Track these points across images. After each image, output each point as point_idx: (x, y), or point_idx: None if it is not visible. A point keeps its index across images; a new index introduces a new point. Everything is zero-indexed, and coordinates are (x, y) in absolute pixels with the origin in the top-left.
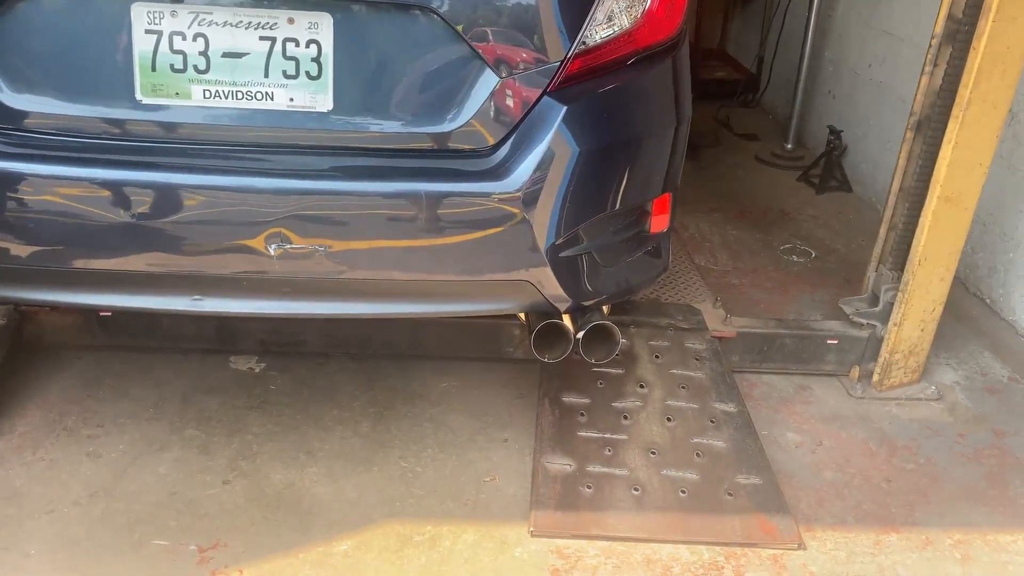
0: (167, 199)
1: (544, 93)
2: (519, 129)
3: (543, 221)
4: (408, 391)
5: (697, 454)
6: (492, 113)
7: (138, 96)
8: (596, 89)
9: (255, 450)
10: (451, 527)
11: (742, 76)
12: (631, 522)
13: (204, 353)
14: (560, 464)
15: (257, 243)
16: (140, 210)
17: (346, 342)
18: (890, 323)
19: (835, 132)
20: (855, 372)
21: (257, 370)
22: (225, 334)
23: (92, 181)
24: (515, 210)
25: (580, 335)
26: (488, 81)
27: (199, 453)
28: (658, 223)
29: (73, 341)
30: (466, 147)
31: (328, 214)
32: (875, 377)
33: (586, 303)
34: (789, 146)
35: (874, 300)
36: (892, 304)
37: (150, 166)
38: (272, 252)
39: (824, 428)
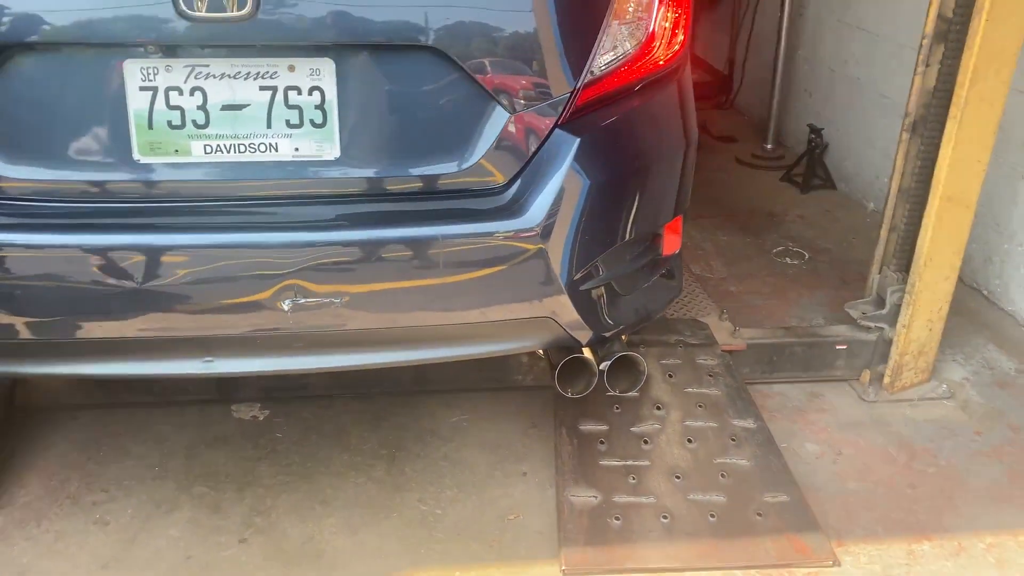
0: (172, 261)
1: (555, 126)
2: (531, 164)
3: (562, 256)
4: (418, 428)
5: (722, 475)
6: (503, 150)
7: (136, 156)
8: (606, 118)
9: (268, 504)
10: (479, 571)
11: (714, 79)
12: (663, 552)
13: (204, 404)
14: (585, 496)
15: (269, 299)
16: (145, 274)
17: (350, 382)
18: (898, 325)
19: (815, 130)
20: (866, 376)
21: (261, 418)
22: (225, 383)
23: (93, 248)
24: (533, 246)
25: (604, 367)
26: (498, 118)
27: (211, 512)
28: (671, 245)
29: (67, 401)
30: (478, 186)
31: (341, 264)
32: (886, 379)
33: (607, 334)
34: (769, 146)
35: (880, 302)
36: (899, 306)
37: (153, 228)
38: (285, 307)
39: (842, 436)
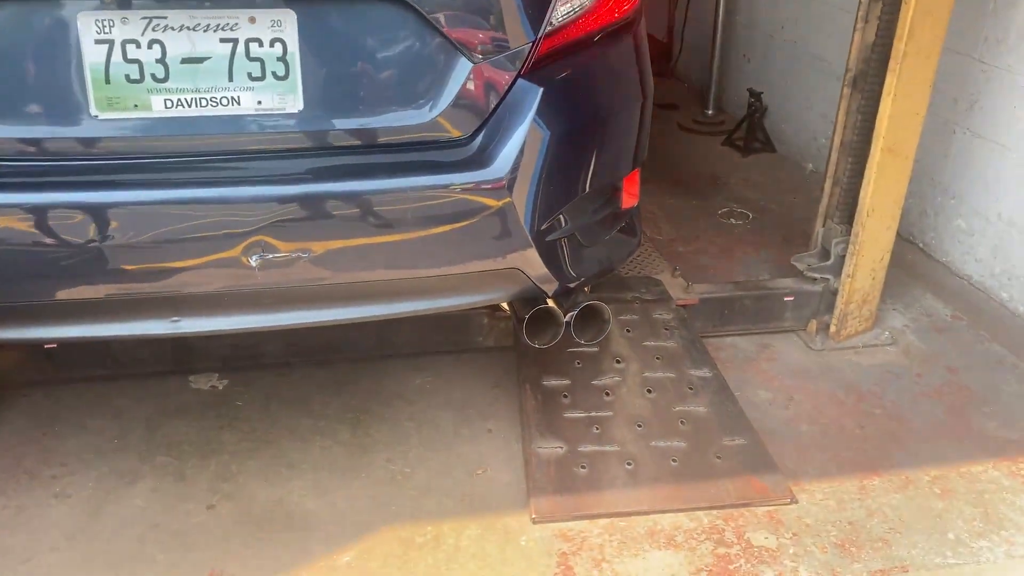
0: (135, 218)
1: (518, 76)
2: (495, 115)
3: (527, 206)
4: (382, 392)
5: (681, 422)
6: (467, 101)
7: (93, 112)
8: (567, 69)
9: (234, 470)
10: (451, 524)
11: (654, 46)
12: (629, 496)
13: (161, 376)
14: (551, 448)
15: (236, 255)
16: (106, 233)
17: (309, 350)
18: (843, 275)
19: (755, 94)
20: (812, 326)
21: (220, 387)
22: (181, 354)
23: (52, 207)
24: (501, 198)
25: (570, 317)
26: (461, 68)
27: (176, 480)
28: (629, 199)
29: (17, 379)
30: (443, 138)
31: (308, 218)
32: (832, 328)
33: (572, 285)
34: (710, 112)
35: (825, 254)
36: (843, 257)
37: (113, 185)
38: (253, 263)
39: (792, 383)
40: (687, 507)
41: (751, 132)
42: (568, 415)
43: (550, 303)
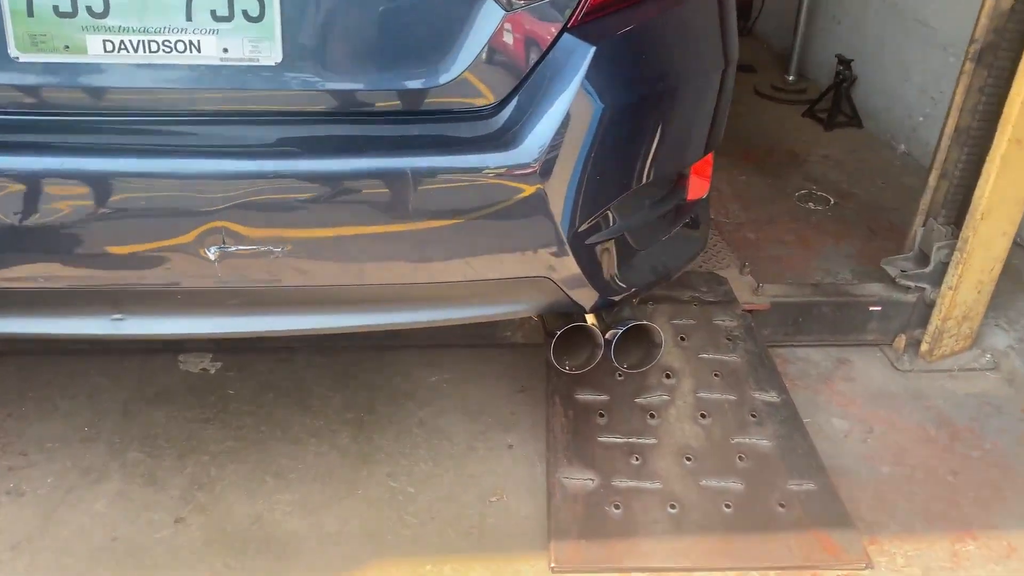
0: (64, 192)
1: (564, 29)
2: (530, 79)
3: (564, 200)
4: (391, 389)
5: (740, 457)
6: (495, 60)
7: (12, 52)
8: (628, 23)
9: (213, 475)
10: (455, 565)
11: None
12: (670, 548)
13: (147, 354)
14: (580, 479)
15: (190, 244)
16: (29, 208)
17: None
18: (944, 285)
19: (844, 62)
20: (900, 341)
21: (212, 371)
22: None
23: None
24: (529, 187)
25: (611, 337)
26: (489, 17)
27: (145, 483)
28: (697, 188)
29: None
30: (461, 107)
31: (282, 203)
32: (924, 346)
33: (616, 297)
34: (791, 78)
35: (923, 259)
36: (946, 264)
37: (37, 148)
38: (211, 255)
39: (873, 410)
40: (739, 566)
41: (837, 104)
42: (603, 439)
43: (588, 319)
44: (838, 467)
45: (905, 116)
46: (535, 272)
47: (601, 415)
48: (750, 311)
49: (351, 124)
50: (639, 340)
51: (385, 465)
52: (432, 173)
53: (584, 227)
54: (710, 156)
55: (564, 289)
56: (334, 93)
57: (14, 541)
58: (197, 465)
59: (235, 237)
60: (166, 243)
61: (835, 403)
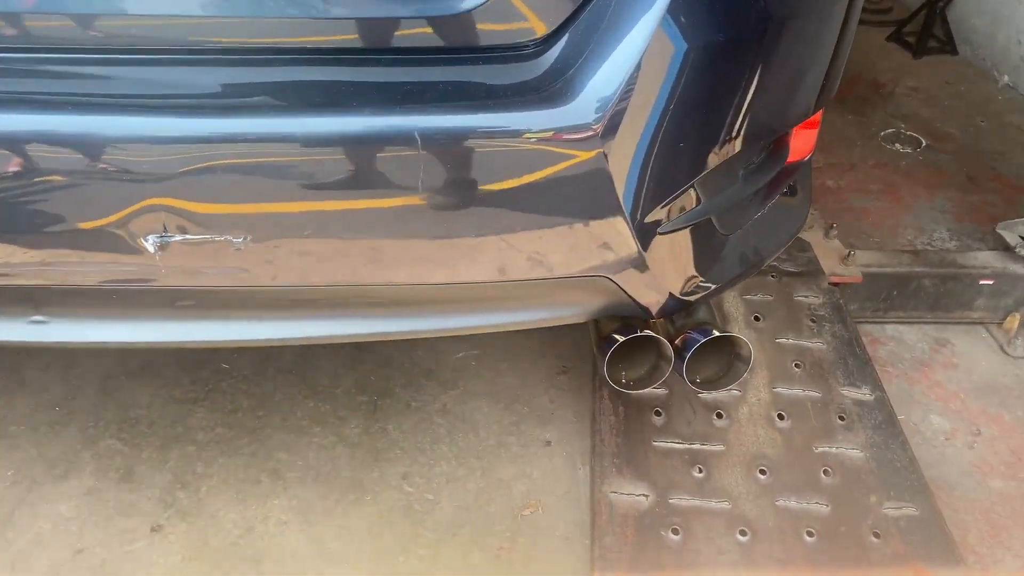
0: None
1: None
2: (591, 5)
3: (633, 175)
4: (411, 366)
5: (825, 471)
6: None
7: None
8: None
9: (199, 471)
10: None
11: None
12: None
13: None
14: (631, 495)
15: (119, 230)
16: None
17: None
18: None
19: None
20: (1012, 321)
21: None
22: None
23: None
24: (584, 156)
25: (682, 345)
26: None
27: (120, 479)
28: (802, 146)
29: None
30: (497, 40)
31: (243, 176)
32: None
33: (692, 298)
34: None
35: None
36: None
37: None
38: (149, 245)
39: (980, 406)
40: None
41: (928, 26)
42: (660, 443)
43: (656, 324)
44: (939, 479)
45: (1011, 42)
46: (590, 270)
47: (658, 413)
48: (837, 284)
49: (344, 65)
50: (718, 348)
51: (400, 464)
52: (450, 136)
53: (657, 210)
54: (820, 112)
55: (627, 291)
56: (322, 20)
57: None
58: (181, 458)
59: (180, 221)
60: (87, 227)
61: (934, 396)
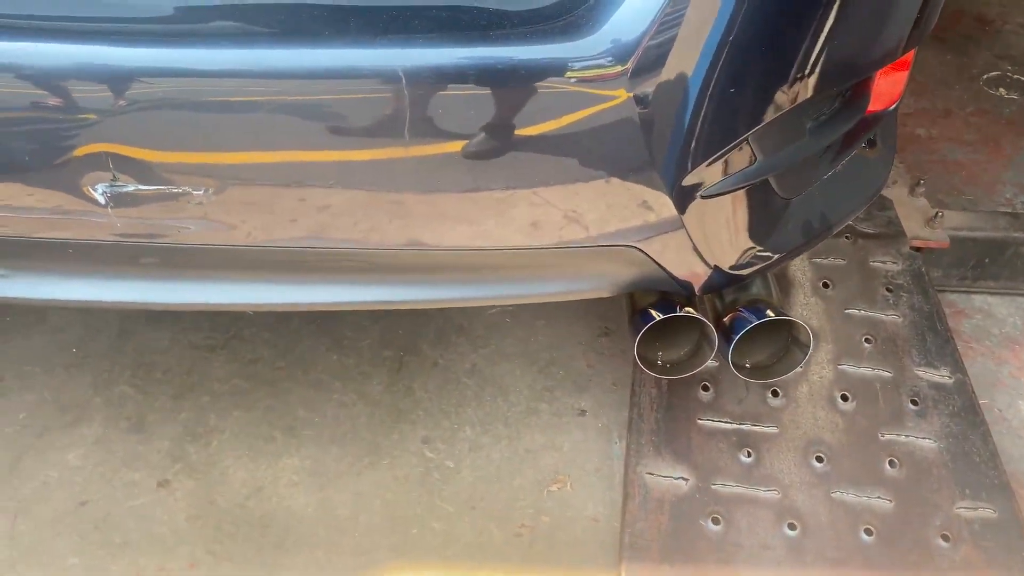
0: None
1: None
2: None
3: (670, 125)
4: (442, 321)
5: (891, 462)
6: None
7: None
8: None
9: (211, 424)
10: None
11: None
12: None
13: None
14: (670, 477)
15: (66, 176)
16: None
17: None
18: None
19: None
20: None
21: None
22: None
23: None
24: (611, 101)
25: (730, 327)
26: None
27: (130, 430)
28: (888, 92)
29: None
30: None
31: (196, 113)
32: None
33: (743, 273)
34: None
35: None
36: None
37: None
38: (98, 195)
39: None
40: None
41: None
42: (705, 422)
43: (697, 303)
44: (1022, 474)
45: None
46: (616, 238)
47: (705, 387)
48: (920, 249)
49: None
50: (774, 329)
51: (421, 427)
52: (446, 73)
53: (702, 169)
54: (911, 54)
55: (661, 264)
56: None
57: None
58: (194, 409)
59: (131, 168)
60: (31, 175)
61: (1023, 379)
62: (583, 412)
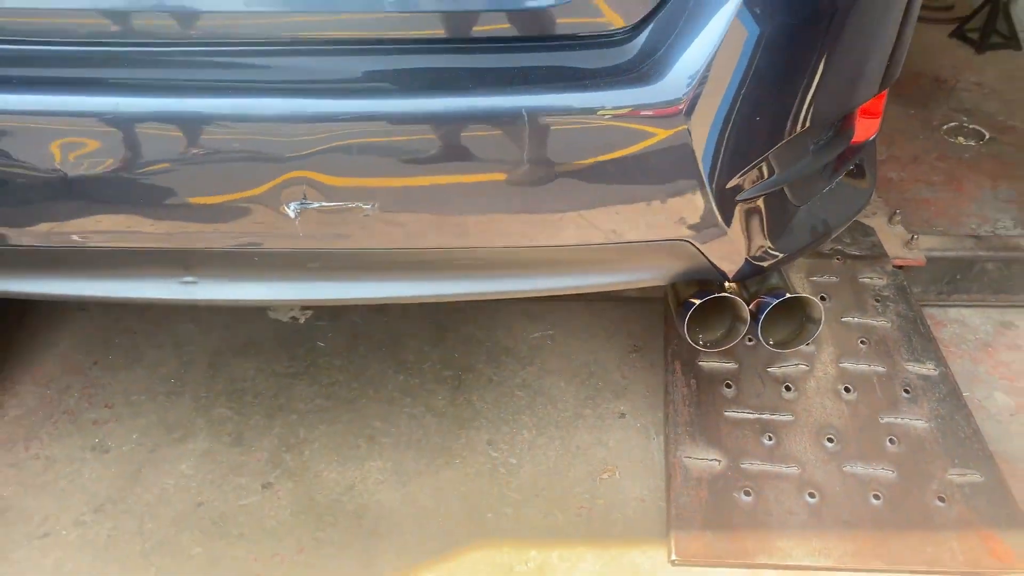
0: (116, 136)
1: None
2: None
3: (714, 147)
4: (491, 344)
5: (890, 440)
6: None
7: None
8: None
9: (302, 436)
10: (562, 551)
11: None
12: (809, 544)
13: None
14: (704, 459)
15: (266, 199)
16: (78, 156)
17: None
18: None
19: None
20: None
21: (302, 320)
22: None
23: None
24: (670, 131)
25: (757, 309)
26: None
27: (232, 443)
28: (867, 126)
29: None
30: (589, 29)
31: (372, 150)
32: None
33: (767, 263)
34: None
35: None
36: None
37: (81, 85)
38: (290, 212)
39: None
40: (891, 567)
41: (991, 21)
42: (731, 414)
43: (730, 288)
44: (1004, 453)
45: None
46: (673, 234)
47: (728, 385)
48: (901, 267)
49: (453, 53)
50: (790, 312)
51: (484, 431)
52: (551, 113)
53: (735, 180)
54: (884, 93)
55: (706, 255)
56: (430, 14)
57: (98, 503)
58: (285, 425)
59: (318, 191)
60: (237, 197)
61: (998, 375)
62: (623, 415)
